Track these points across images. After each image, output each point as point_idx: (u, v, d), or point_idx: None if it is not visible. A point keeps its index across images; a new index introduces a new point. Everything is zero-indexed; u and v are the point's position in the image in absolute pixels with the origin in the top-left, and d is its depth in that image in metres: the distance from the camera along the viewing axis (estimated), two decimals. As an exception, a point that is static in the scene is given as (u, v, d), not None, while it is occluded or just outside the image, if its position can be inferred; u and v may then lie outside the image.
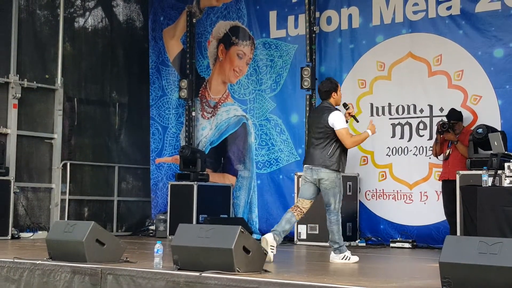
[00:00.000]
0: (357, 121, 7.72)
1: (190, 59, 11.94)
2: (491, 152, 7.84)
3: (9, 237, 10.11)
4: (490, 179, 7.53)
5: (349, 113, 7.25)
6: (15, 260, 6.35)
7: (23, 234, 10.52)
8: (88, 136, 11.99)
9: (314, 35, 10.56)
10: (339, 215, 7.03)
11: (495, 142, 7.72)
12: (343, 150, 7.04)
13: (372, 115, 10.29)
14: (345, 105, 7.31)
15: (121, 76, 12.41)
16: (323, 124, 6.97)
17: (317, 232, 9.69)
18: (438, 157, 9.34)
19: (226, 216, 11.08)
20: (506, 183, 7.32)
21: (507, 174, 7.31)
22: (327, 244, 9.48)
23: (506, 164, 7.38)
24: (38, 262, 6.24)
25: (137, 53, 12.61)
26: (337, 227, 6.98)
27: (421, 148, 9.82)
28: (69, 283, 5.93)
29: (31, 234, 10.58)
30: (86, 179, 11.89)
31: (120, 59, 12.39)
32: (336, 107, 7.15)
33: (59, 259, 6.29)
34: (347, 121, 7.15)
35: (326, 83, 7.18)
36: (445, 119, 9.32)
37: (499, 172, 7.61)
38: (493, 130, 8.52)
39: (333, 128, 6.95)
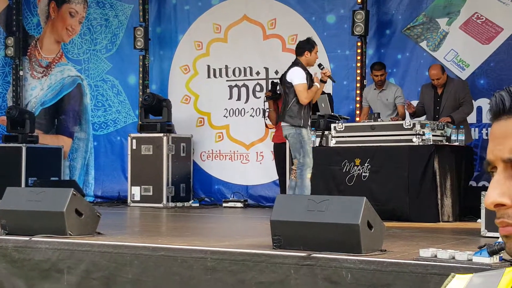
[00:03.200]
0: (334, 81, 7.73)
1: (16, 16, 11.34)
2: (319, 113, 8.15)
3: None
4: (318, 140, 7.84)
5: (324, 73, 7.12)
6: None
7: None
8: None
9: (147, -5, 10.43)
10: (304, 169, 6.82)
11: (323, 104, 8.02)
12: (305, 106, 6.95)
13: (209, 77, 10.34)
14: (320, 65, 7.23)
15: None
16: (285, 80, 6.99)
17: (151, 193, 9.65)
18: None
19: (57, 179, 10.75)
20: (332, 143, 7.65)
21: (334, 134, 7.63)
22: (160, 205, 9.53)
23: (332, 125, 7.70)
24: None
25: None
26: (299, 181, 6.82)
27: (258, 109, 10.01)
28: None
29: None
30: None
31: None
32: (308, 67, 7.07)
33: None
34: (324, 81, 7.07)
35: (302, 41, 7.16)
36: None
37: (326, 132, 7.93)
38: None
39: (291, 83, 6.93)
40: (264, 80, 10.02)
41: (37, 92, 11.49)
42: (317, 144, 7.79)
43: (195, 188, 10.15)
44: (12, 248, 5.20)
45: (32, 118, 10.88)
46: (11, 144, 10.56)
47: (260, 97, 9.99)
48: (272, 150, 9.54)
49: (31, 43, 11.55)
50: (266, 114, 9.57)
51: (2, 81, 11.63)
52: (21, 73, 11.39)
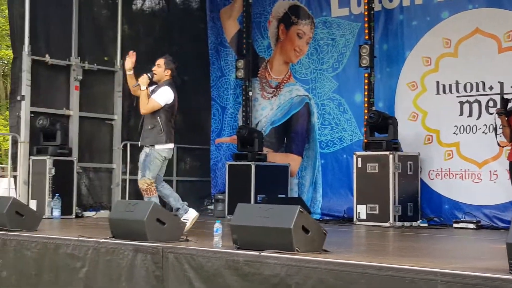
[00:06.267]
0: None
1: (246, 39, 11.84)
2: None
3: (73, 216, 10.31)
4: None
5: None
6: (80, 239, 6.44)
7: (86, 213, 10.69)
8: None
9: (372, 12, 10.35)
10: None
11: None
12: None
13: (438, 93, 10.04)
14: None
15: (178, 57, 12.29)
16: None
17: (377, 212, 9.53)
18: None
19: (284, 196, 11.02)
20: None
21: None
22: (387, 224, 9.37)
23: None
24: (101, 240, 6.31)
25: (194, 34, 12.56)
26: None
27: (491, 126, 9.47)
28: (132, 261, 5.97)
29: (94, 213, 10.73)
30: (145, 159, 11.96)
31: (176, 40, 12.36)
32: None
33: (122, 238, 6.32)
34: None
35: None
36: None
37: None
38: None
39: None
40: (498, 96, 9.47)
41: (267, 111, 11.90)
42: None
43: (423, 208, 9.86)
44: (243, 262, 5.35)
45: (260, 137, 11.29)
46: (242, 162, 11.03)
47: (494, 112, 9.46)
48: (508, 168, 8.98)
49: (261, 65, 12.01)
50: (499, 131, 9.04)
51: (233, 102, 12.22)
52: (250, 93, 11.87)
